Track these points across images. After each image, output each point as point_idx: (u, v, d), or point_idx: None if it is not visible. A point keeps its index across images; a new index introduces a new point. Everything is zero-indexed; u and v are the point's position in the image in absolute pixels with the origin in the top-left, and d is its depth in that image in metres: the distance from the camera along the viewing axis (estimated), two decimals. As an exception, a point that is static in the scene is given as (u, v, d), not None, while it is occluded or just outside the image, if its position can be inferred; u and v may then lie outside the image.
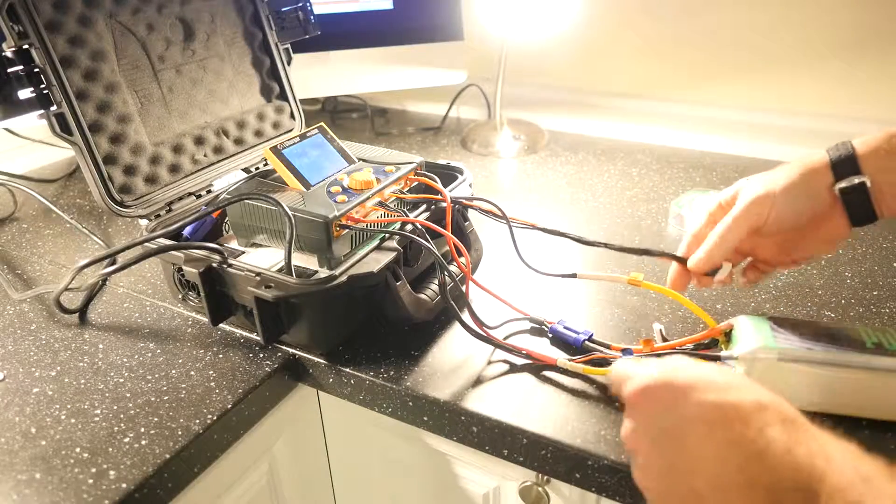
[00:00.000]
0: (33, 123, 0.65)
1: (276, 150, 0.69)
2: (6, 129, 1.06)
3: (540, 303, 0.68)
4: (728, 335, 0.57)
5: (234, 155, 0.81)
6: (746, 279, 0.61)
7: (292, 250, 0.61)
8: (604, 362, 0.59)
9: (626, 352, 0.59)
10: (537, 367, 0.60)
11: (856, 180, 0.51)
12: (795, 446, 0.35)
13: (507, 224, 0.68)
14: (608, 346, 0.61)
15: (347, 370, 0.61)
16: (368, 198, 0.66)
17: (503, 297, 0.67)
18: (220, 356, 0.64)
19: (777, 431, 0.35)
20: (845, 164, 0.51)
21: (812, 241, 0.56)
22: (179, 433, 0.55)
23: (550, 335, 0.64)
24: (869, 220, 0.53)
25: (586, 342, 0.61)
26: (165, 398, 0.58)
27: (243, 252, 0.68)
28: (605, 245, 0.65)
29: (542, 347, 0.63)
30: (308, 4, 0.89)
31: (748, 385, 0.39)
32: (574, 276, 0.67)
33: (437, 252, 0.62)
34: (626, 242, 0.81)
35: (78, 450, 0.53)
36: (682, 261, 0.59)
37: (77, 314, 0.71)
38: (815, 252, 0.57)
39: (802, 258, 0.58)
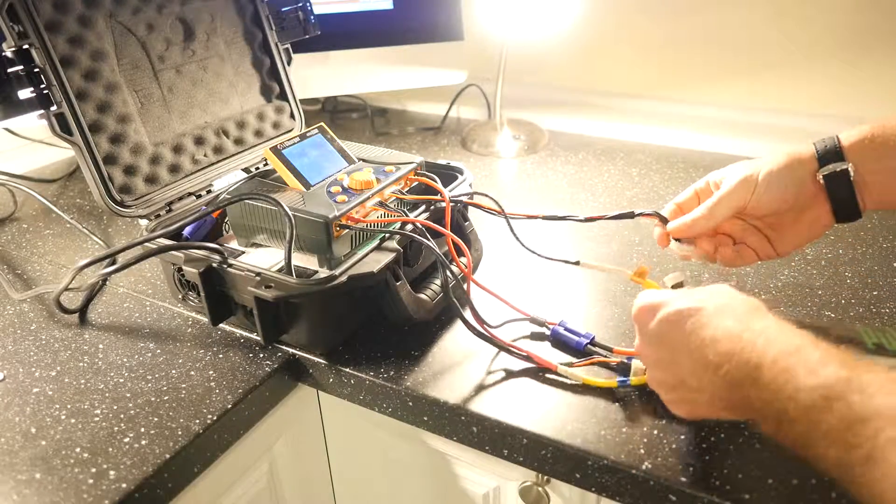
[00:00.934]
0: (33, 123, 0.65)
1: (276, 150, 0.69)
2: (6, 129, 1.06)
3: (540, 302, 0.68)
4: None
5: (234, 155, 0.81)
6: (723, 258, 0.61)
7: (292, 250, 0.61)
8: (606, 366, 0.59)
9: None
10: (537, 368, 0.60)
11: (839, 168, 0.53)
12: (718, 332, 0.44)
13: (505, 217, 0.68)
14: (610, 350, 0.61)
15: (347, 370, 0.61)
16: (368, 198, 0.66)
17: (503, 296, 0.66)
18: (220, 356, 0.64)
19: (707, 327, 0.45)
20: (830, 154, 0.54)
21: (796, 230, 0.58)
22: (179, 433, 0.55)
23: (552, 337, 0.64)
24: (852, 213, 0.55)
25: (588, 346, 0.61)
26: (165, 398, 0.58)
27: (243, 252, 0.68)
28: (601, 217, 0.66)
29: (543, 350, 0.63)
30: (308, 4, 0.89)
31: (688, 293, 0.49)
32: (577, 263, 0.66)
33: (437, 251, 0.62)
34: (626, 243, 0.81)
35: (78, 450, 0.53)
36: (667, 221, 0.62)
37: (77, 314, 0.71)
38: (799, 243, 0.59)
39: (787, 249, 0.59)
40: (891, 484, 0.34)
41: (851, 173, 0.53)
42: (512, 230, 0.68)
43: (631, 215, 0.64)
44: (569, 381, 0.58)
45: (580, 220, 0.67)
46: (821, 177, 0.54)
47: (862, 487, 0.35)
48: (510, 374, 0.60)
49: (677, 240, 0.61)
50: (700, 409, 0.48)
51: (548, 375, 0.59)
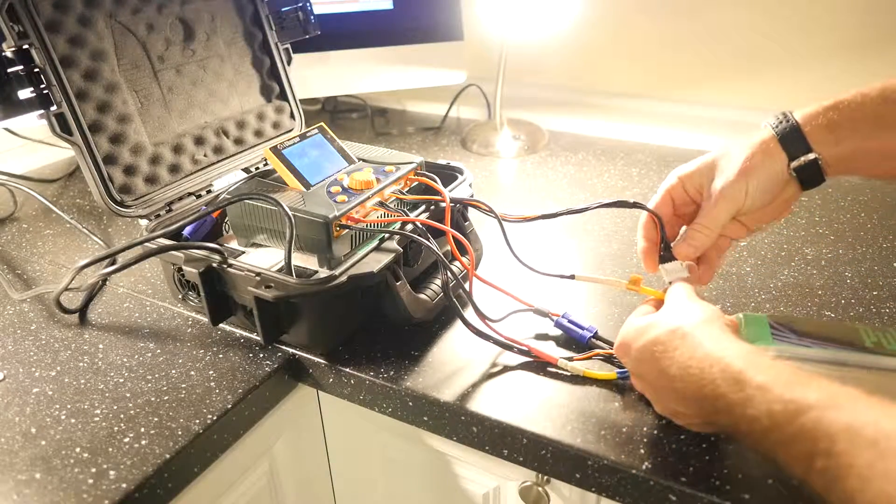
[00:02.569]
0: (33, 123, 0.65)
1: (276, 150, 0.69)
2: (6, 129, 1.06)
3: (540, 303, 0.68)
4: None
5: (234, 155, 0.81)
6: (700, 280, 0.61)
7: (292, 250, 0.61)
8: (609, 358, 0.59)
9: None
10: (538, 367, 0.60)
11: (808, 158, 0.54)
12: (695, 353, 0.45)
13: (500, 224, 0.67)
14: (612, 345, 0.61)
15: (347, 370, 0.61)
16: (368, 198, 0.66)
17: (506, 289, 0.66)
18: (220, 356, 0.64)
19: (674, 359, 0.47)
20: (794, 140, 0.54)
21: (769, 211, 0.58)
22: (179, 433, 0.55)
23: (556, 328, 0.64)
24: (818, 184, 0.56)
25: (591, 339, 0.62)
26: (165, 398, 0.58)
27: (243, 252, 0.68)
28: (596, 206, 0.62)
29: (545, 344, 0.63)
30: (308, 4, 0.89)
31: (663, 316, 0.50)
32: (572, 277, 0.66)
33: (437, 250, 0.62)
34: (626, 242, 0.81)
35: (78, 450, 0.53)
36: (654, 214, 0.59)
37: (77, 314, 0.71)
38: (771, 220, 0.60)
39: (759, 227, 0.60)
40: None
41: (820, 161, 0.54)
42: (508, 243, 0.67)
43: (627, 204, 0.61)
44: (569, 376, 0.58)
45: (572, 212, 0.64)
46: (792, 169, 0.55)
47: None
48: (511, 374, 0.60)
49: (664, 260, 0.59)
50: (709, 427, 0.50)
51: (549, 371, 0.59)
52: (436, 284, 0.67)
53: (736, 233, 0.60)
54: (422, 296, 0.65)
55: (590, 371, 0.58)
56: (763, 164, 0.55)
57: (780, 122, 0.55)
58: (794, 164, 0.54)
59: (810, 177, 0.55)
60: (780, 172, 0.55)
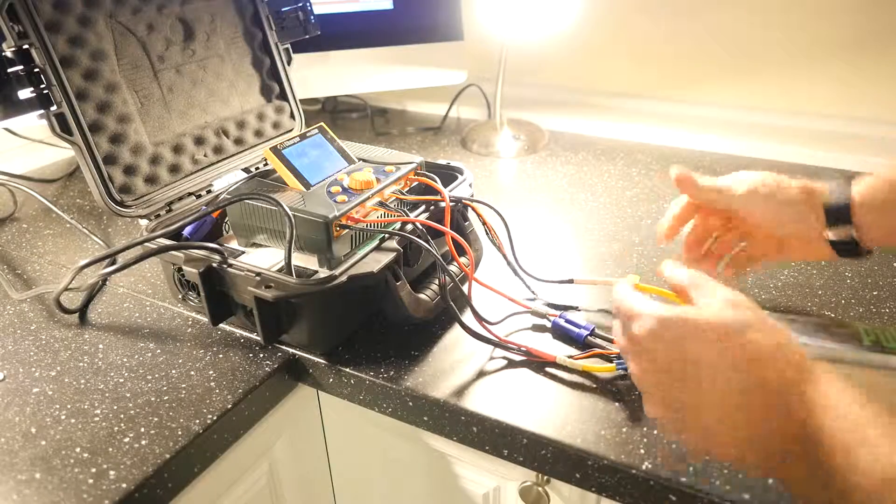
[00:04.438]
0: (33, 123, 0.65)
1: (276, 150, 0.69)
2: (6, 129, 1.06)
3: (539, 303, 0.68)
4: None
5: (234, 155, 0.81)
6: (728, 271, 0.64)
7: (292, 250, 0.61)
8: (606, 358, 0.59)
9: None
10: (538, 366, 0.60)
11: (846, 233, 0.54)
12: (803, 385, 0.37)
13: (507, 232, 0.68)
14: (611, 342, 0.61)
15: (347, 370, 0.61)
16: (368, 198, 0.66)
17: (504, 291, 0.66)
18: (220, 356, 0.64)
19: (790, 373, 0.37)
20: (840, 212, 0.54)
21: (801, 253, 0.59)
22: (179, 433, 0.55)
23: (553, 329, 0.64)
24: (854, 257, 0.56)
25: (588, 337, 0.62)
26: (165, 398, 0.58)
27: (243, 252, 0.68)
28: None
29: (543, 344, 0.63)
30: (308, 4, 0.89)
31: (763, 325, 0.39)
32: (571, 281, 0.67)
33: (436, 252, 0.62)
34: (625, 242, 0.81)
35: (78, 450, 0.53)
36: None
37: (77, 314, 0.71)
38: (803, 259, 0.62)
39: (791, 260, 0.63)
40: None
41: (858, 241, 0.54)
42: (511, 243, 0.68)
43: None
44: (570, 376, 0.58)
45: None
46: (827, 235, 0.55)
47: None
48: (510, 374, 0.60)
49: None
50: (722, 447, 0.40)
51: (548, 371, 0.59)
52: (436, 284, 0.67)
53: (767, 254, 0.61)
54: (422, 295, 0.65)
55: (589, 366, 0.58)
56: (790, 202, 0.55)
57: (838, 190, 0.55)
58: (831, 231, 0.54)
59: (845, 248, 0.55)
60: (808, 224, 0.55)
